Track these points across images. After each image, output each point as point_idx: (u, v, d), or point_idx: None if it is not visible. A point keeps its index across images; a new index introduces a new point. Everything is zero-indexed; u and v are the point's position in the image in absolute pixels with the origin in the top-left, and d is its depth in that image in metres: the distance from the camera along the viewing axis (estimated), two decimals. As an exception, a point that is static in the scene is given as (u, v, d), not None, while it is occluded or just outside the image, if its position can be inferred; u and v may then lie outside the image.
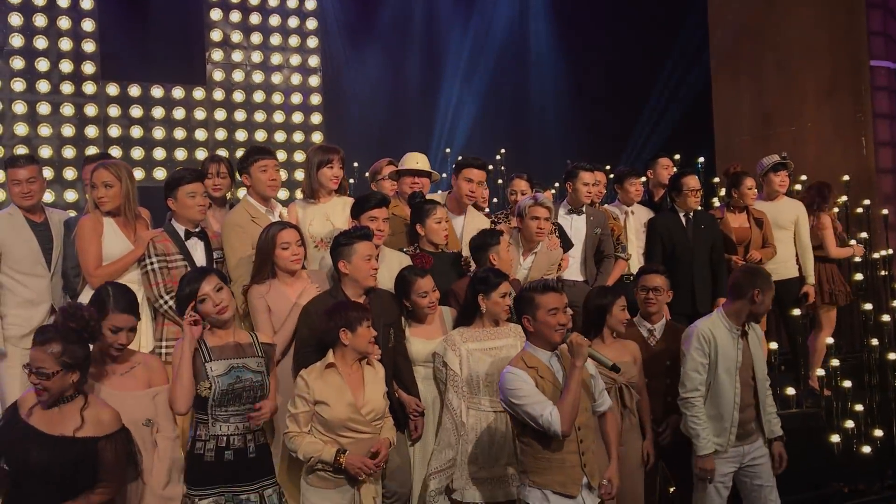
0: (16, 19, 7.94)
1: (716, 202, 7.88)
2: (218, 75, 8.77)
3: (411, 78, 10.47)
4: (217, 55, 8.78)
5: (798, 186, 7.87)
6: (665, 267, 4.99)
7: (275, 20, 9.03)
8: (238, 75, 8.85)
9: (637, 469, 4.42)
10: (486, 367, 4.13)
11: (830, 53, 8.98)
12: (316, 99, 9.18)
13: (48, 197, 7.09)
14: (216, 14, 8.78)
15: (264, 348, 3.78)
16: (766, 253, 6.22)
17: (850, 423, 5.96)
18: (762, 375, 4.43)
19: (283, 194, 7.77)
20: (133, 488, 3.47)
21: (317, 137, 9.00)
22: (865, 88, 8.82)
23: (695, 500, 4.40)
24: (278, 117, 8.98)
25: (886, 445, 6.05)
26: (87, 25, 8.23)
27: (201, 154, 8.28)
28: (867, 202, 8.15)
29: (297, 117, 9.05)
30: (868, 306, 6.75)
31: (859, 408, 6.11)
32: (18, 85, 7.93)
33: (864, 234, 7.63)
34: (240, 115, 8.83)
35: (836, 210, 7.33)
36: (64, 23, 8.11)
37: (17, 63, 7.94)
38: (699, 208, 6.09)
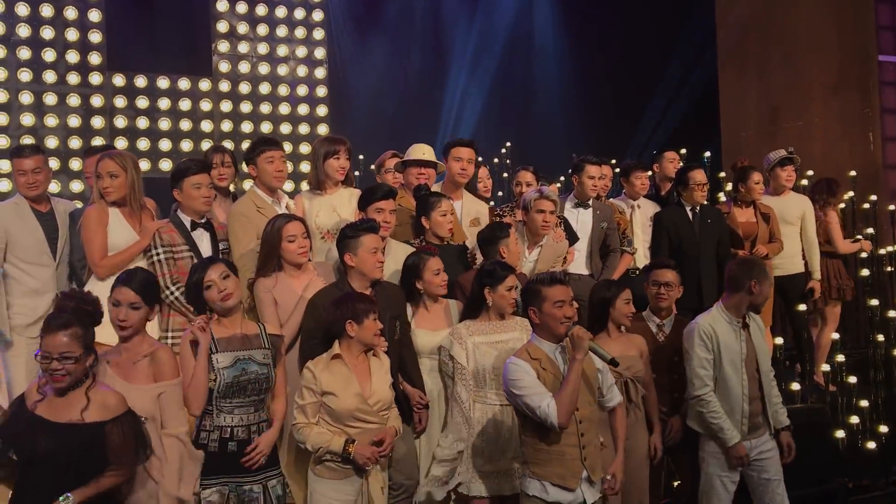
0: (22, 9, 7.94)
1: (721, 197, 7.86)
2: (224, 67, 8.76)
3: (417, 70, 10.45)
4: (223, 46, 8.78)
5: (804, 182, 7.85)
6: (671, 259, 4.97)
7: (281, 12, 9.02)
8: (244, 67, 8.85)
9: (642, 463, 4.41)
10: (492, 360, 4.13)
11: (838, 48, 8.94)
12: (322, 91, 9.16)
13: (53, 187, 7.09)
14: (222, 5, 8.77)
15: (272, 339, 3.78)
16: (772, 248, 6.20)
17: (855, 419, 5.96)
18: (766, 367, 4.42)
19: (288, 186, 7.76)
20: (146, 488, 3.42)
21: (322, 129, 8.99)
22: (873, 83, 8.78)
23: (701, 494, 4.40)
24: (284, 109, 8.97)
25: (891, 441, 6.05)
26: (94, 16, 8.23)
27: (207, 145, 8.26)
28: (874, 198, 8.12)
29: (303, 109, 9.04)
30: (874, 302, 6.75)
31: (864, 403, 6.10)
32: (25, 75, 7.94)
33: (870, 230, 7.61)
34: (245, 107, 8.82)
35: (841, 206, 7.31)
36: (70, 13, 8.12)
37: (24, 53, 7.95)
38: (705, 202, 6.07)
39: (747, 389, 4.30)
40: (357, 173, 8.04)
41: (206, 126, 8.65)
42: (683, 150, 8.11)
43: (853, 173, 8.29)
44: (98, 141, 7.99)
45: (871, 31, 8.82)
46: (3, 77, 7.88)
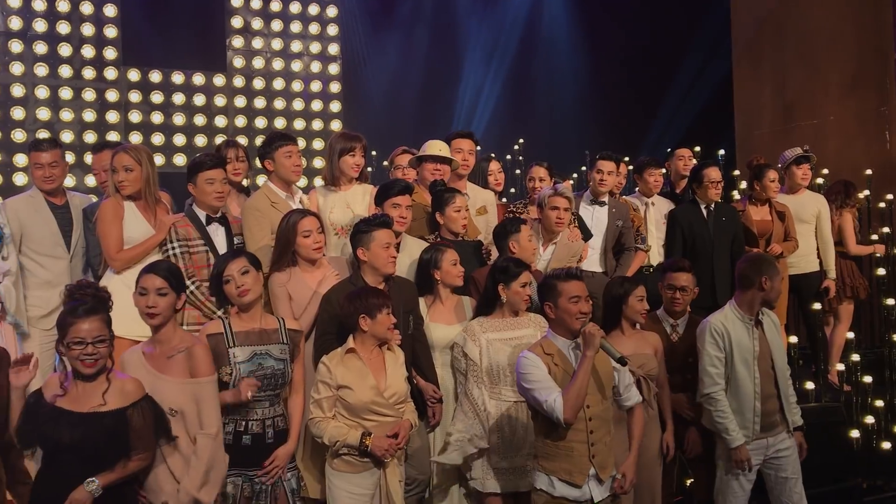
0: (39, 4, 8.02)
1: (735, 195, 7.82)
2: (238, 62, 8.80)
3: (430, 67, 10.45)
4: (237, 42, 8.82)
5: (820, 180, 7.79)
6: (686, 259, 4.94)
7: (295, 7, 9.05)
8: (258, 62, 8.88)
9: (654, 461, 4.39)
10: (505, 357, 4.12)
11: (855, 45, 8.87)
12: (335, 87, 9.19)
13: (69, 181, 7.14)
14: (237, 1, 8.82)
15: (290, 334, 3.78)
16: (787, 246, 6.16)
17: (870, 419, 5.92)
18: (781, 364, 4.38)
19: (301, 181, 7.78)
20: (168, 483, 3.39)
21: (335, 125, 9.02)
22: (890, 81, 8.69)
23: (717, 492, 4.38)
24: (297, 105, 9.01)
25: (906, 441, 6.01)
26: (110, 11, 8.29)
27: (221, 141, 8.31)
28: (890, 197, 8.05)
29: (317, 105, 9.07)
30: (890, 301, 6.70)
31: (880, 403, 6.06)
32: (41, 70, 8.01)
33: (885, 229, 7.55)
34: (259, 103, 8.86)
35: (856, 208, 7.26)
36: (86, 8, 8.18)
37: (40, 48, 8.02)
38: (720, 200, 6.04)
39: (760, 387, 4.27)
40: (370, 169, 8.04)
41: (221, 121, 8.69)
42: (697, 148, 8.08)
43: (869, 172, 8.21)
44: (113, 135, 8.05)
45: (888, 29, 8.73)
46: (20, 72, 7.94)
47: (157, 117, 8.45)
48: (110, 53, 8.26)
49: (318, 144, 8.96)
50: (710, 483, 4.46)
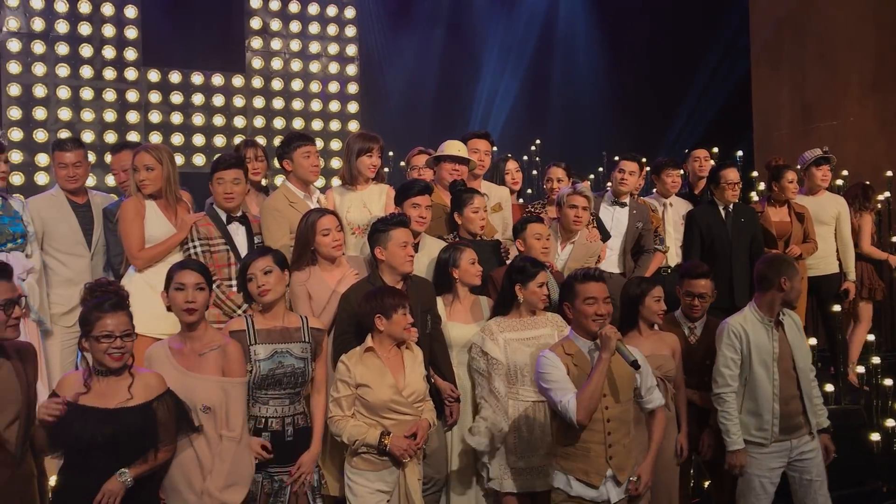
0: (61, 6, 8.11)
1: (754, 196, 7.78)
2: (257, 63, 8.86)
3: (447, 67, 10.46)
4: (256, 43, 8.87)
5: (839, 182, 7.74)
6: (703, 260, 4.92)
7: (313, 8, 9.09)
8: (277, 63, 8.93)
9: (671, 462, 4.37)
10: (524, 356, 4.12)
11: (874, 45, 8.81)
12: (353, 87, 9.22)
13: (90, 181, 7.20)
14: (256, 2, 8.87)
15: (313, 333, 3.80)
16: (806, 248, 6.13)
17: (890, 422, 5.87)
18: (804, 365, 4.33)
19: (318, 182, 7.82)
20: (190, 481, 3.42)
21: (353, 126, 9.05)
22: (911, 82, 8.65)
23: (739, 494, 4.33)
24: (316, 105, 9.05)
25: (927, 445, 5.95)
26: (130, 12, 8.36)
27: (240, 141, 8.36)
28: (910, 198, 8.00)
29: (335, 106, 9.11)
30: (910, 304, 6.65)
31: (900, 406, 6.02)
32: (62, 70, 8.09)
33: (905, 232, 7.51)
34: (278, 103, 8.91)
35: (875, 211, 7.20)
36: (107, 9, 8.26)
37: (62, 49, 8.10)
38: (738, 201, 6.02)
39: (779, 389, 4.23)
40: (386, 170, 8.07)
41: (239, 122, 8.75)
42: (716, 149, 8.04)
43: (889, 174, 8.16)
44: (133, 135, 8.12)
45: (909, 29, 8.69)
46: (42, 72, 8.03)
47: (176, 117, 8.51)
48: (131, 54, 8.34)
49: (335, 145, 9.00)
50: (731, 486, 4.43)
